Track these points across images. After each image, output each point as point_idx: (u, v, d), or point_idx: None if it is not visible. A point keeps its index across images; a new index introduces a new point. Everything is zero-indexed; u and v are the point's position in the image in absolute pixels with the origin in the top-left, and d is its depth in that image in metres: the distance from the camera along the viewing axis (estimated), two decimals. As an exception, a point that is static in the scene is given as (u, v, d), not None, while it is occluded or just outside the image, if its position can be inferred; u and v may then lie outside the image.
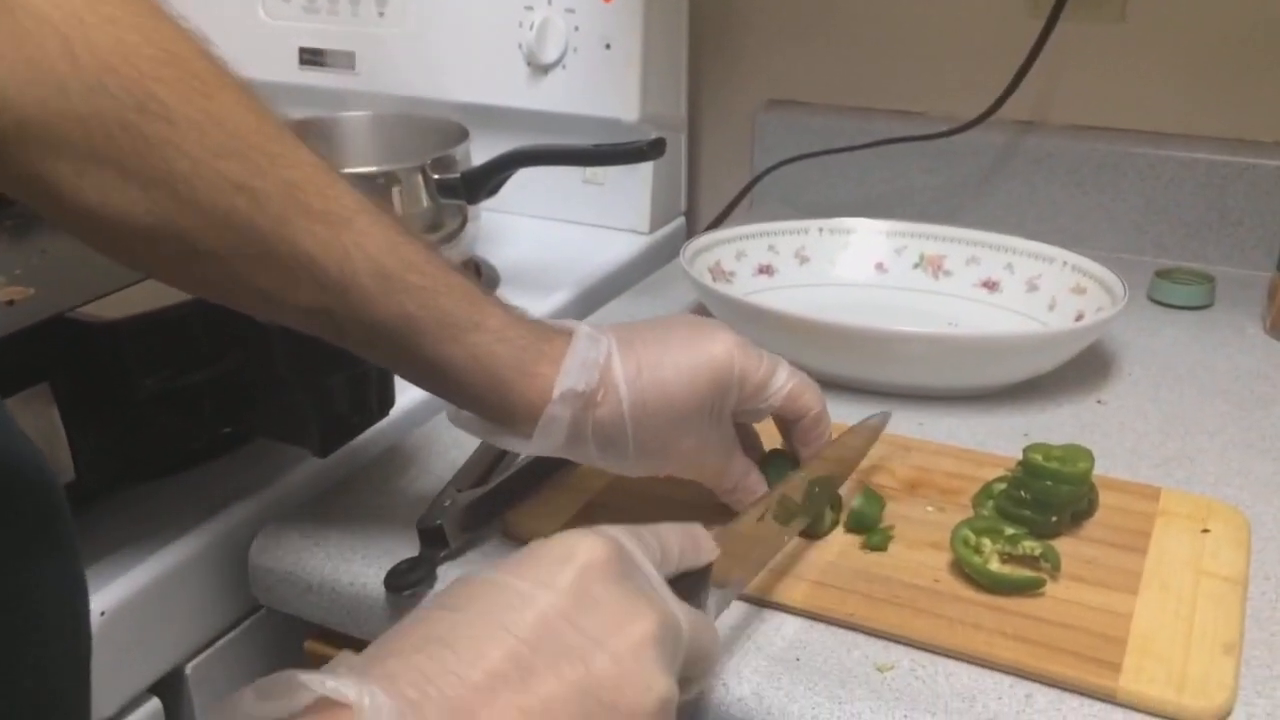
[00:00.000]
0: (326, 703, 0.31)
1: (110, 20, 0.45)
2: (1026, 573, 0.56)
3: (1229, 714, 0.50)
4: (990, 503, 0.62)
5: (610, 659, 0.35)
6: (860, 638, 0.54)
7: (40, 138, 0.43)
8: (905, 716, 0.49)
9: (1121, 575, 0.57)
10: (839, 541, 0.61)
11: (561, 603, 0.36)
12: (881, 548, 0.60)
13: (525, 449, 0.55)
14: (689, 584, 0.44)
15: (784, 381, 0.59)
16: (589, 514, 0.63)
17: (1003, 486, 0.62)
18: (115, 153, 0.45)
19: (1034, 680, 0.51)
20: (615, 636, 0.36)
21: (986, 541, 0.58)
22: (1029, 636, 0.53)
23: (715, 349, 0.56)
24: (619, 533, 0.40)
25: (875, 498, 0.62)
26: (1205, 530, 0.61)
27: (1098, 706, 0.50)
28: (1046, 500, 0.60)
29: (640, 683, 0.35)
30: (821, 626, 0.55)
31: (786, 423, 0.61)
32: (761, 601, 0.57)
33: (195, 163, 0.46)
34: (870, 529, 0.61)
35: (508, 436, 0.55)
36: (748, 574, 0.54)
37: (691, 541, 0.45)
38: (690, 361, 0.56)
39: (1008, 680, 0.51)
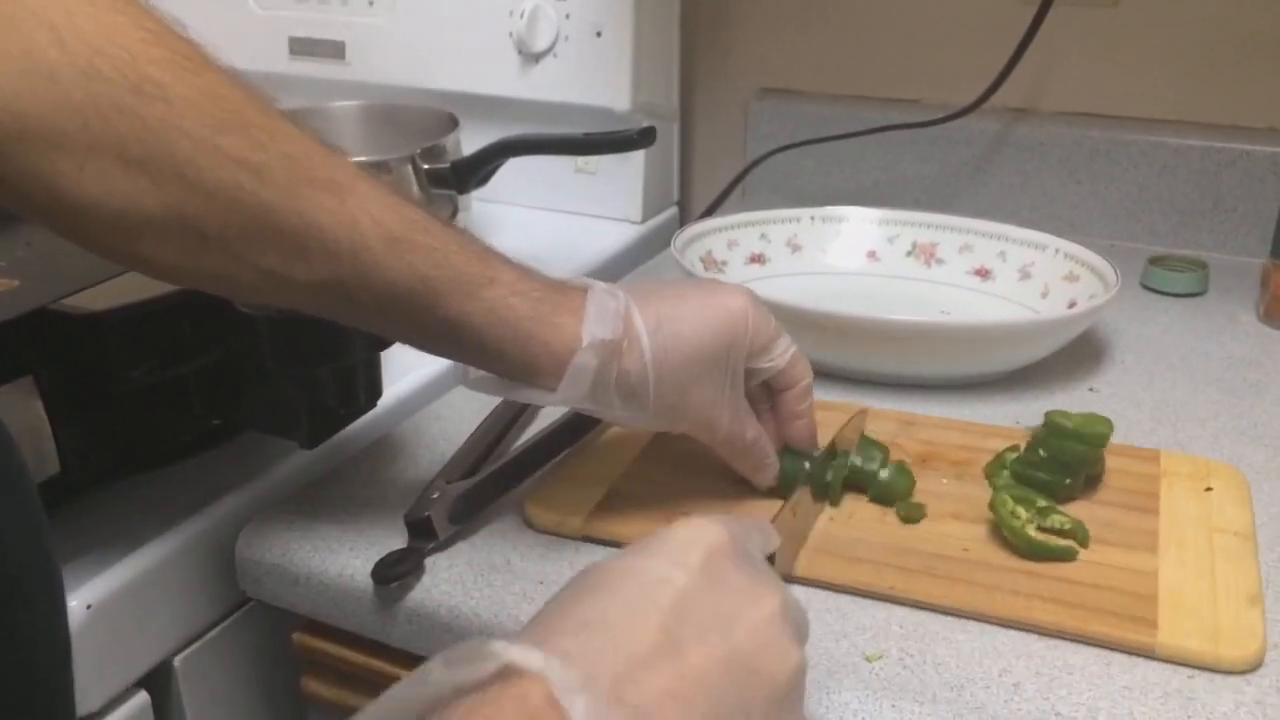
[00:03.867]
0: (510, 671, 0.33)
1: (92, 3, 0.44)
2: (1062, 541, 0.57)
3: (1262, 662, 0.51)
4: (1005, 471, 0.63)
5: (747, 631, 0.38)
6: (849, 627, 0.54)
7: (37, 132, 0.43)
8: (893, 706, 0.49)
9: (1140, 535, 0.59)
10: (864, 516, 0.61)
11: (697, 582, 0.38)
12: (915, 519, 0.60)
13: (548, 401, 0.55)
14: None
15: (788, 345, 0.61)
16: (610, 504, 0.63)
17: (1015, 455, 0.64)
18: (114, 139, 0.44)
19: (1074, 641, 0.53)
20: (750, 611, 0.38)
21: (1021, 510, 0.59)
22: (1065, 599, 0.54)
23: (731, 302, 0.58)
24: (725, 519, 0.42)
25: (905, 471, 0.63)
26: (1208, 489, 0.63)
27: (1086, 695, 0.50)
28: (1065, 460, 0.61)
29: (778, 652, 0.38)
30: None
31: (775, 393, 0.62)
32: (795, 579, 0.57)
33: (197, 141, 0.45)
34: (901, 498, 0.62)
35: (529, 390, 0.55)
36: (786, 566, 0.57)
37: (762, 532, 0.48)
38: (707, 314, 0.57)
39: (996, 669, 0.51)
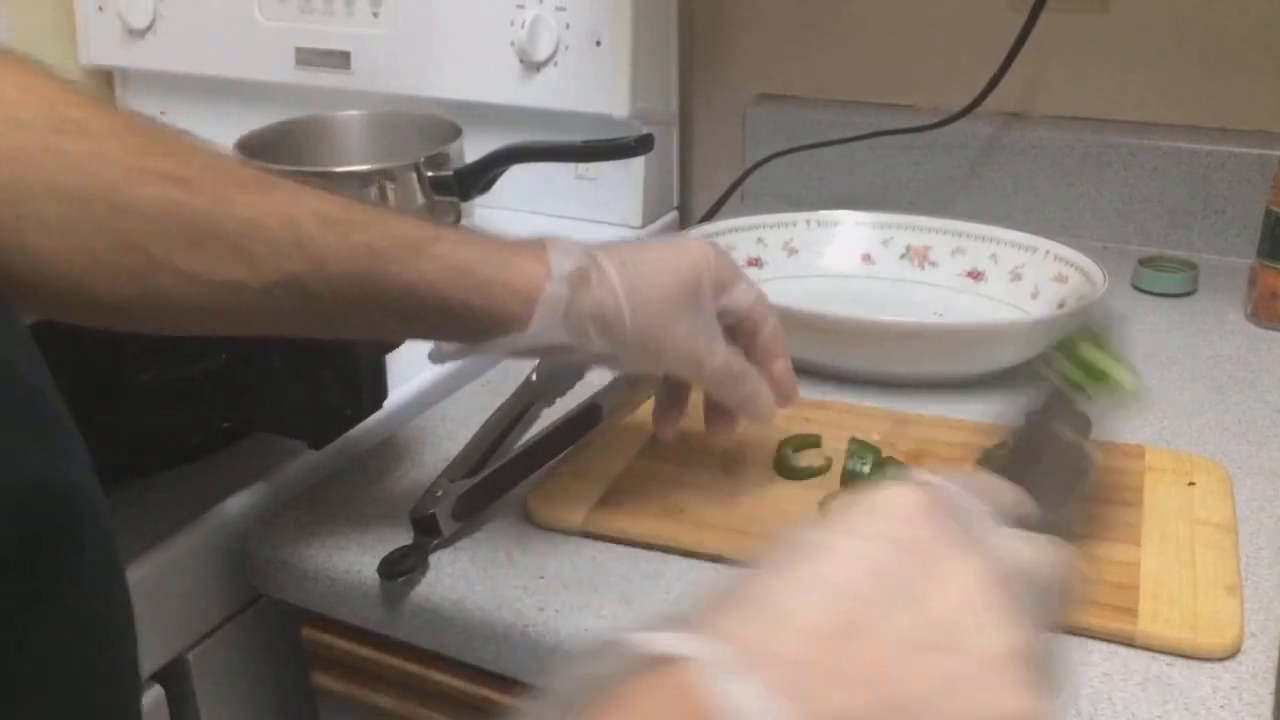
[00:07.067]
0: (661, 660, 0.30)
1: (4, 66, 0.46)
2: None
3: (1239, 649, 0.53)
4: (987, 459, 0.64)
5: (941, 602, 0.33)
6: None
7: None
8: (882, 693, 0.51)
9: (1123, 528, 0.61)
10: None
11: (880, 552, 0.33)
12: None
13: (522, 343, 0.56)
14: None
15: (750, 286, 0.62)
16: (610, 500, 0.64)
17: (1003, 451, 0.65)
18: (45, 179, 0.45)
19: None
20: (944, 581, 0.33)
21: None
22: None
23: (689, 243, 0.61)
24: (935, 478, 0.37)
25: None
26: (1191, 483, 0.65)
27: (1067, 682, 0.51)
28: None
29: (976, 623, 0.32)
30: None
31: (748, 339, 0.63)
32: None
33: (123, 167, 0.47)
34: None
35: (499, 340, 0.56)
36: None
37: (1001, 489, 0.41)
38: (668, 252, 0.60)
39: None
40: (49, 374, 0.39)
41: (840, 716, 0.30)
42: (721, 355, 0.60)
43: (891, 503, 0.35)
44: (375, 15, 1.17)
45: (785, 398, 0.64)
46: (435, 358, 0.59)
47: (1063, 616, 0.37)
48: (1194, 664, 0.52)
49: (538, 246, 0.56)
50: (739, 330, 0.63)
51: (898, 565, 0.33)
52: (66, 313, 0.49)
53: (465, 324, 0.55)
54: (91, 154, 0.46)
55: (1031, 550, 0.36)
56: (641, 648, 0.30)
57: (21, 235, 0.45)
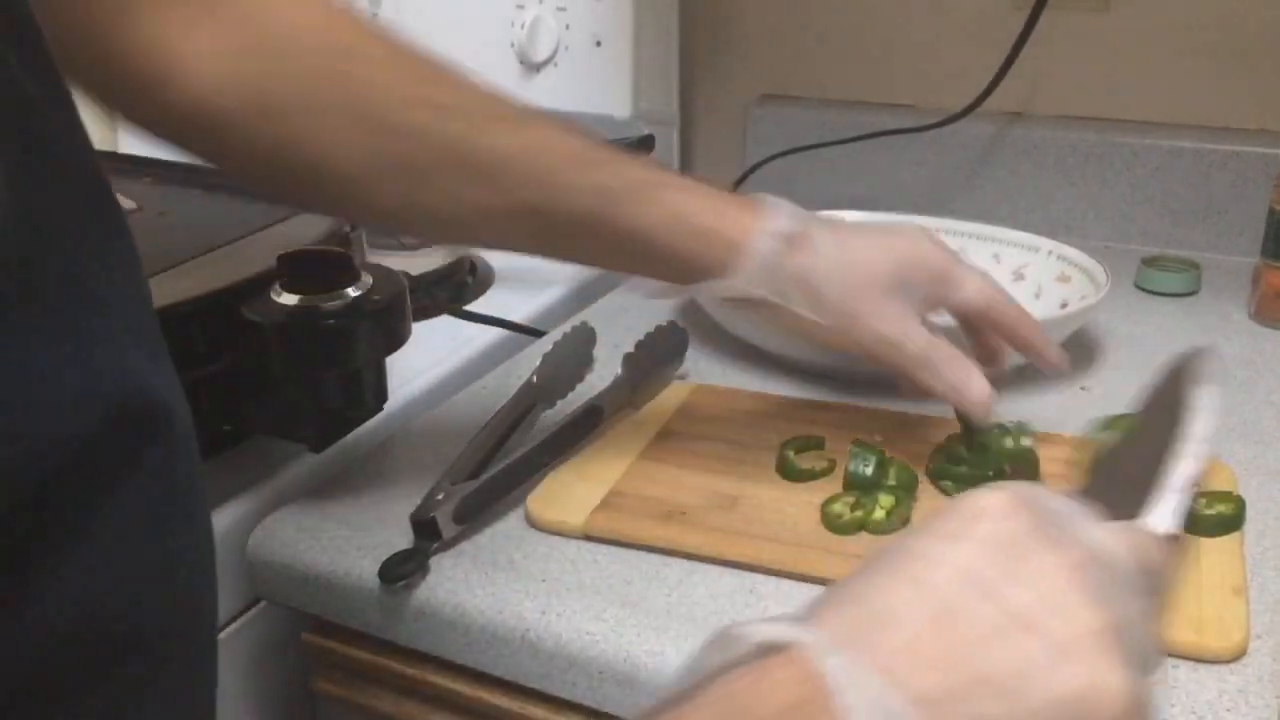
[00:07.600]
0: (768, 647, 0.33)
1: (295, 4, 0.54)
2: None
3: (1245, 652, 0.52)
4: (940, 454, 0.66)
5: (1026, 590, 0.34)
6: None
7: (279, 104, 0.52)
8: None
9: None
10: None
11: (967, 551, 0.35)
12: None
13: (727, 289, 0.60)
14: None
15: (968, 272, 0.63)
16: (610, 503, 0.64)
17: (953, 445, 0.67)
18: (339, 98, 0.53)
19: None
20: (1029, 570, 0.35)
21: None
22: None
23: (907, 230, 0.64)
24: (1027, 486, 0.38)
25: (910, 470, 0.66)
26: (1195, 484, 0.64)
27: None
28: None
29: (1059, 604, 0.34)
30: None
31: (987, 322, 0.64)
32: (785, 574, 0.58)
33: (398, 96, 0.54)
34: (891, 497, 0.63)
35: (709, 284, 0.60)
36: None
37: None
38: (884, 238, 0.62)
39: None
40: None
41: (936, 695, 0.32)
42: (920, 341, 0.61)
43: (980, 504, 0.37)
44: (374, 16, 1.17)
45: (1055, 367, 0.68)
46: (647, 294, 0.65)
47: (1157, 601, 0.38)
48: (1200, 667, 0.52)
49: (752, 200, 0.60)
50: (975, 324, 0.64)
51: (984, 561, 0.35)
52: (346, 212, 0.58)
53: (677, 266, 0.59)
54: (371, 78, 0.54)
55: (1115, 539, 0.37)
56: (754, 637, 0.33)
57: (317, 145, 0.53)
